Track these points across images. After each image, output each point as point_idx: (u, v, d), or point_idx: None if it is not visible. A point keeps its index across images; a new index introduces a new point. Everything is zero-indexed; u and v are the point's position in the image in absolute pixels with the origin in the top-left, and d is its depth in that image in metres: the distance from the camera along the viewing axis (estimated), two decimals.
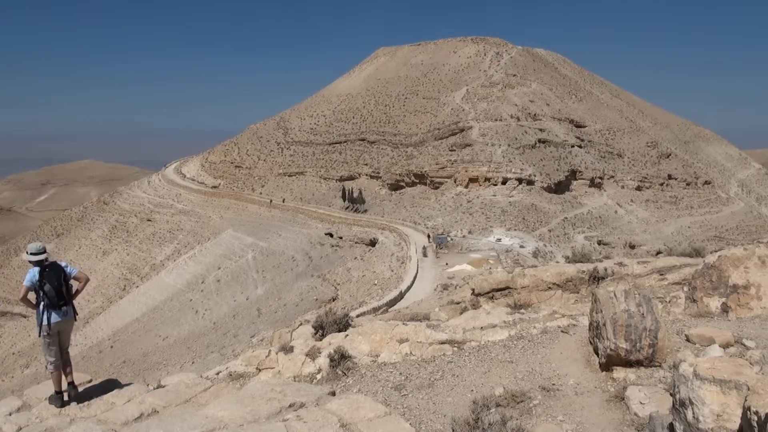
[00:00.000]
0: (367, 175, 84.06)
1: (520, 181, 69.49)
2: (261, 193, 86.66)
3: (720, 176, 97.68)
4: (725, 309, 7.49)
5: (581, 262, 12.32)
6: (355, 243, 58.24)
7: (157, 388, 6.81)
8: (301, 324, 11.83)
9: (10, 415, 6.12)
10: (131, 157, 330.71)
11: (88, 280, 6.71)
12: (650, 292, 9.05)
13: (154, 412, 5.85)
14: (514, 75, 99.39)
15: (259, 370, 7.78)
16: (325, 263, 54.35)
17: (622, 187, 78.66)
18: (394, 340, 7.79)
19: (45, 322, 6.19)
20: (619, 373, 5.76)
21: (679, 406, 3.78)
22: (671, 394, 4.24)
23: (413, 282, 37.14)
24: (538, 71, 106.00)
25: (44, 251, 6.33)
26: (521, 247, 50.59)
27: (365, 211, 72.60)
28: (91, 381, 6.97)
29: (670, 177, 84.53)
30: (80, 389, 6.57)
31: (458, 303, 12.00)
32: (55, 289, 6.19)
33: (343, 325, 8.98)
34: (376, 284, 41.16)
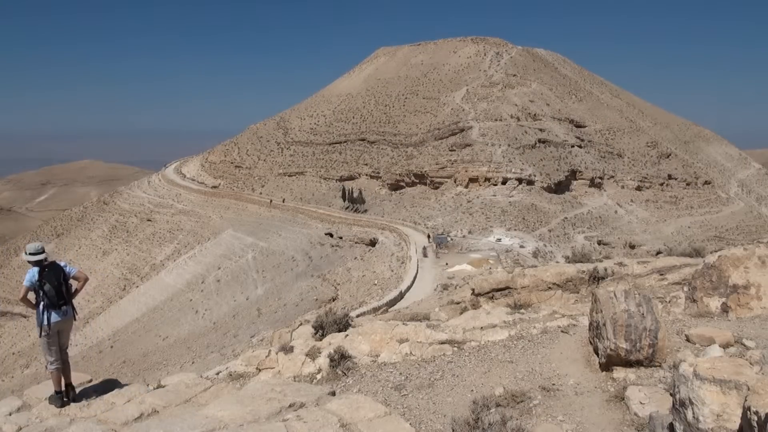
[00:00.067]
0: (367, 175, 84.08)
1: (520, 181, 69.53)
2: (261, 193, 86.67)
3: (720, 176, 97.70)
4: (725, 309, 7.49)
5: (581, 262, 12.30)
6: (355, 243, 58.24)
7: (157, 388, 6.80)
8: (301, 324, 11.82)
9: (10, 415, 6.13)
10: (131, 157, 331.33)
11: (87, 279, 6.72)
12: (650, 292, 9.04)
13: (154, 412, 5.85)
14: (514, 75, 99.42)
15: (259, 370, 7.77)
16: (325, 263, 54.35)
17: (622, 187, 78.68)
18: (394, 340, 7.79)
19: (45, 322, 6.21)
20: (619, 373, 5.76)
21: (679, 406, 3.78)
22: (671, 394, 4.23)
23: (413, 282, 37.11)
24: (538, 71, 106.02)
25: (43, 251, 6.35)
26: (521, 247, 50.61)
27: (365, 211, 72.61)
28: (91, 381, 6.98)
29: (670, 177, 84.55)
30: (80, 389, 6.58)
31: (458, 303, 12.00)
32: (55, 289, 6.21)
33: (343, 325, 8.96)
34: (376, 284, 41.16)
